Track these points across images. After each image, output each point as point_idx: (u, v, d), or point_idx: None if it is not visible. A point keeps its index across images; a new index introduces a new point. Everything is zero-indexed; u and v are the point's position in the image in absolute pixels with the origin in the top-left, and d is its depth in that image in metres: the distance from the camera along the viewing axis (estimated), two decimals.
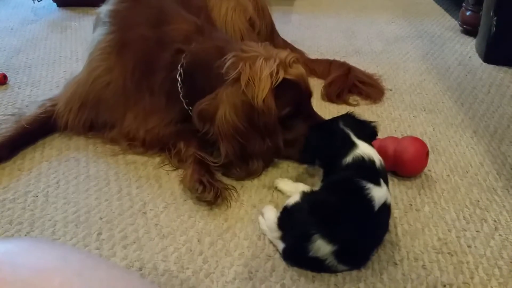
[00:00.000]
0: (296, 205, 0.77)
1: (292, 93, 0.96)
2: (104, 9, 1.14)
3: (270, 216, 0.84)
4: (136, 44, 1.05)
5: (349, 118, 0.89)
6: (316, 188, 0.88)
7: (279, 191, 0.95)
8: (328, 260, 0.73)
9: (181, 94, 1.02)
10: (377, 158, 0.82)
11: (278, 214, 0.80)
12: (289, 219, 0.77)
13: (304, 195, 0.78)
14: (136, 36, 1.06)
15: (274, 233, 0.80)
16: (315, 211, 0.74)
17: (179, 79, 1.01)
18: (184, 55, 1.01)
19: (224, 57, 0.96)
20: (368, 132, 0.87)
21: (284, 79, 0.93)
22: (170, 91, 1.04)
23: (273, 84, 0.92)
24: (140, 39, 1.05)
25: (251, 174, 0.99)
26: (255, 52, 0.96)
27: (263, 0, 1.38)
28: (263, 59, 0.94)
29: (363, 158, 0.80)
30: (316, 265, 0.75)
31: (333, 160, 0.83)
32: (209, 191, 0.90)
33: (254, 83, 0.91)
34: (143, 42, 1.05)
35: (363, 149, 0.82)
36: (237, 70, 0.93)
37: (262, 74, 0.91)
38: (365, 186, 0.75)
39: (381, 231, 0.79)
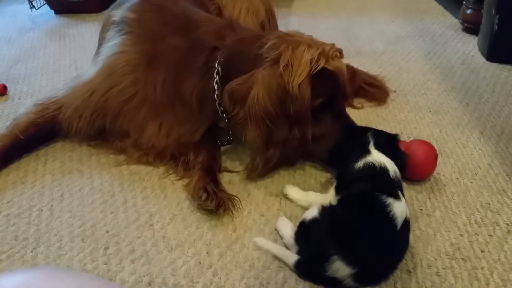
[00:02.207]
0: (314, 221, 0.75)
1: (328, 85, 0.93)
2: (120, 14, 1.09)
3: (286, 231, 0.81)
4: (168, 55, 1.03)
5: (382, 135, 0.88)
6: (327, 194, 0.86)
7: (289, 199, 0.94)
8: (346, 281, 0.71)
9: (217, 93, 0.99)
10: (392, 169, 0.80)
11: (295, 228, 0.78)
12: (306, 234, 0.75)
13: (323, 209, 0.76)
14: (167, 48, 1.03)
15: (292, 249, 0.78)
16: (335, 230, 0.72)
17: (217, 77, 0.98)
18: (220, 52, 0.99)
19: (267, 37, 0.94)
20: (398, 159, 0.84)
21: (323, 68, 0.91)
22: (202, 94, 1.01)
23: (312, 70, 0.89)
24: (171, 50, 1.02)
25: (269, 163, 0.95)
26: (299, 38, 0.94)
27: (272, 4, 1.37)
28: (306, 45, 0.91)
29: (373, 165, 0.79)
30: (331, 284, 0.72)
31: (346, 163, 0.82)
32: (211, 200, 0.89)
33: (292, 67, 0.89)
34: (174, 53, 1.02)
35: (376, 157, 0.81)
36: (278, 51, 0.90)
37: (303, 59, 0.89)
38: (386, 202, 0.73)
39: (402, 249, 0.76)
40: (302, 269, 0.75)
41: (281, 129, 0.92)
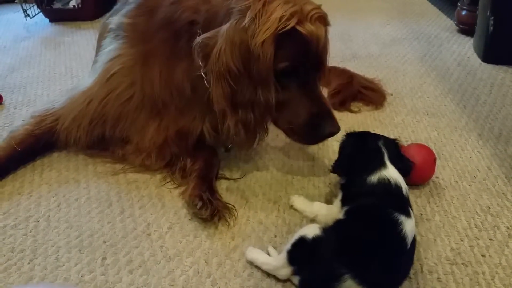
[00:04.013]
0: (318, 239, 0.71)
1: (296, 49, 0.84)
2: (116, 21, 1.08)
3: (264, 257, 0.78)
4: (159, 50, 1.01)
5: (392, 144, 0.84)
6: (332, 205, 0.84)
7: (295, 209, 0.92)
8: None
9: (202, 68, 0.92)
10: (404, 186, 0.78)
11: (289, 247, 0.73)
12: (310, 253, 0.71)
13: (325, 229, 0.72)
14: (158, 43, 1.01)
15: (283, 271, 0.74)
16: (346, 248, 0.68)
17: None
18: (198, 25, 0.94)
19: None
20: (403, 167, 0.82)
21: (294, 30, 0.82)
22: (193, 75, 0.96)
23: (279, 29, 0.82)
24: (161, 44, 1.00)
25: (249, 127, 0.89)
26: None
27: None
28: (283, 0, 0.83)
29: (389, 181, 0.76)
30: None
31: (357, 174, 0.78)
32: (206, 208, 0.88)
33: (258, 22, 0.82)
34: (164, 45, 1.00)
35: (391, 172, 0.78)
36: (247, 2, 0.84)
37: (272, 15, 0.81)
38: (398, 220, 0.70)
39: (409, 266, 0.74)
40: None
41: (244, 89, 0.86)
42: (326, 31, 0.90)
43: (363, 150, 0.81)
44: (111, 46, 1.07)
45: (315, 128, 0.90)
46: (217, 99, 0.88)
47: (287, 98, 0.89)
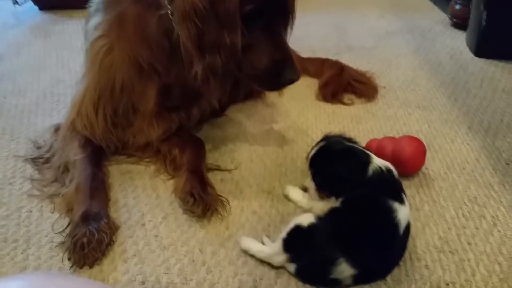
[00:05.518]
0: (313, 226, 0.73)
1: None
2: (94, 2, 1.07)
3: (257, 245, 0.80)
4: (130, 9, 0.97)
5: (345, 137, 0.86)
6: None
7: (290, 200, 0.93)
8: (346, 281, 0.72)
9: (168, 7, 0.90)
10: (393, 167, 0.80)
11: (285, 235, 0.75)
12: (305, 240, 0.74)
13: (319, 217, 0.75)
14: (129, 4, 0.98)
15: (278, 258, 0.76)
16: (341, 233, 0.71)
17: (168, 5, 0.90)
18: None
19: None
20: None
21: None
22: (167, 29, 0.93)
23: None
24: (132, 4, 0.97)
25: (216, 71, 0.88)
26: None
27: None
28: None
29: (381, 169, 0.77)
30: (333, 284, 0.73)
31: (351, 181, 0.78)
32: (197, 205, 0.88)
33: None
34: (134, 4, 0.97)
35: (377, 160, 0.79)
36: None
37: None
38: (391, 207, 0.72)
39: (401, 252, 0.77)
40: (306, 274, 0.74)
41: (211, 31, 0.85)
42: None
43: (348, 161, 0.79)
44: (90, 24, 1.05)
45: (276, 74, 0.92)
46: (183, 41, 0.87)
47: (252, 43, 0.89)
